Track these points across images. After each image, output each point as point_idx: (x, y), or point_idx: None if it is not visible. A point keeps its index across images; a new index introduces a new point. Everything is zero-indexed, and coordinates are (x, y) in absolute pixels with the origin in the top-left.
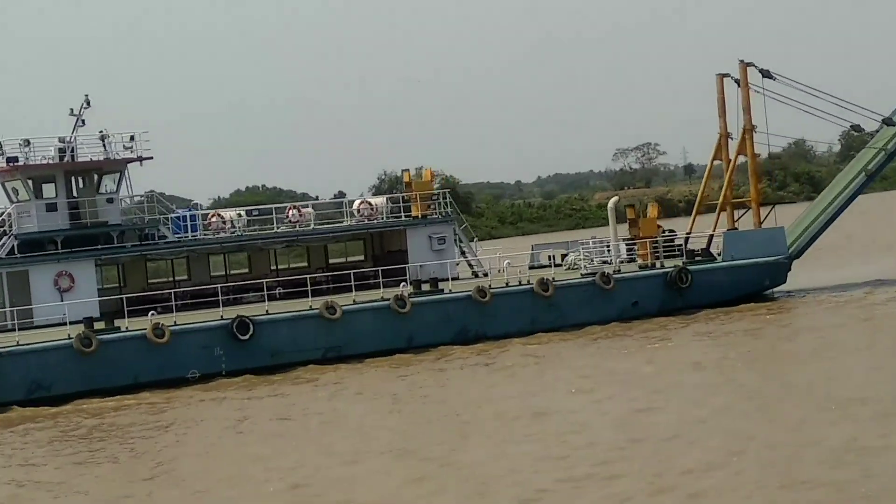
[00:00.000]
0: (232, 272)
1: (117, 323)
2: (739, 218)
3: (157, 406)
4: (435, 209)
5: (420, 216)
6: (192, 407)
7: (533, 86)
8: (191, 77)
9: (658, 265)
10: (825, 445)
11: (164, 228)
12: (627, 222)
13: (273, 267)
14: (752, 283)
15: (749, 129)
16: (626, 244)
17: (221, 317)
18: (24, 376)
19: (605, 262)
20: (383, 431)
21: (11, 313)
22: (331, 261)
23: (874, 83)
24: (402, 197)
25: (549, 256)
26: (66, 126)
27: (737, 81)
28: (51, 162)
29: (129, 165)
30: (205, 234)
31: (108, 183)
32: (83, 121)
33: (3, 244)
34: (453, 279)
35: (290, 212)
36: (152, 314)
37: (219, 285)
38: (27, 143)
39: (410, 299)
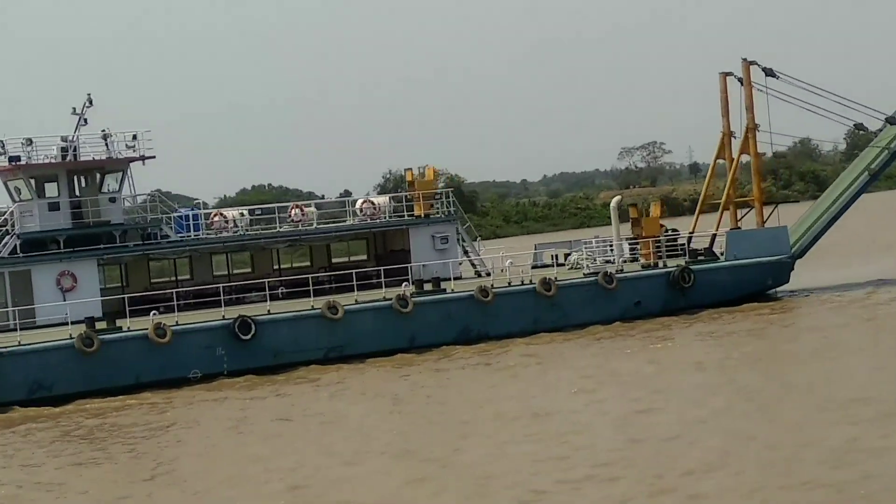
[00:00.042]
0: (235, 272)
1: (119, 323)
2: (742, 217)
3: (158, 406)
4: (438, 208)
5: (423, 215)
6: (194, 407)
7: (538, 84)
8: (195, 76)
9: (661, 265)
10: (826, 446)
11: (167, 228)
12: (630, 221)
13: (276, 266)
14: (755, 283)
15: (752, 128)
16: (629, 244)
17: (223, 317)
18: (25, 376)
19: (608, 262)
20: (384, 432)
21: (13, 313)
22: (334, 260)
23: (878, 81)
24: (405, 196)
25: (553, 256)
26: (68, 125)
27: (740, 80)
28: (53, 161)
29: (131, 165)
30: (207, 234)
31: (110, 182)
32: (85, 120)
33: (6, 244)
34: (456, 279)
35: (293, 211)
36: (154, 314)
37: (221, 285)
38: (29, 142)
39: (412, 299)
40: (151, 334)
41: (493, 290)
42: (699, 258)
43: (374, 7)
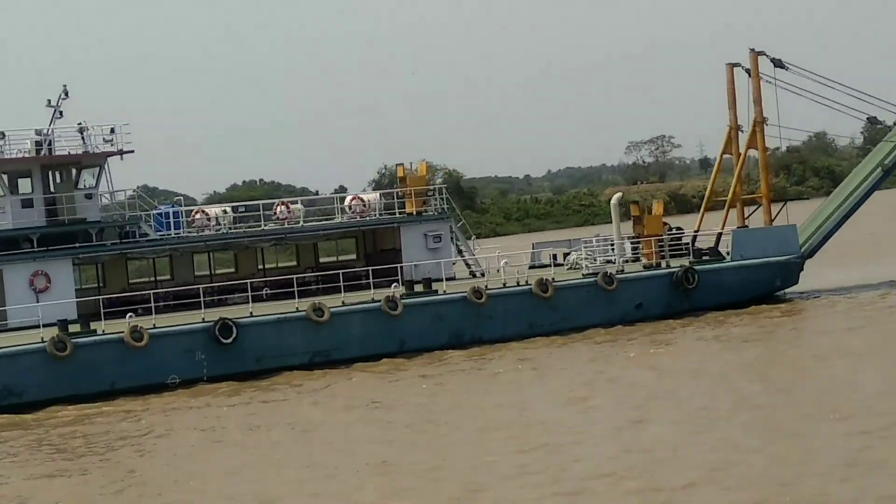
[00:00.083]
0: (217, 272)
1: (93, 326)
2: (750, 215)
3: (133, 414)
4: (431, 205)
5: (415, 213)
6: (171, 415)
7: (542, 76)
8: (185, 69)
9: (663, 265)
10: (831, 458)
11: (146, 226)
12: (632, 220)
13: (260, 266)
14: (763, 284)
15: (760, 122)
16: (631, 243)
17: (203, 319)
18: None
19: (608, 262)
20: (366, 442)
21: None
22: (321, 260)
23: (888, 74)
24: (397, 193)
25: (552, 255)
26: (43, 118)
27: (748, 71)
28: (27, 156)
29: (109, 159)
30: (189, 232)
31: (87, 178)
32: (61, 112)
33: None
34: (449, 279)
35: (279, 208)
36: (130, 316)
37: (201, 286)
38: (2, 135)
39: (402, 301)
40: (127, 338)
41: (487, 291)
42: (704, 258)
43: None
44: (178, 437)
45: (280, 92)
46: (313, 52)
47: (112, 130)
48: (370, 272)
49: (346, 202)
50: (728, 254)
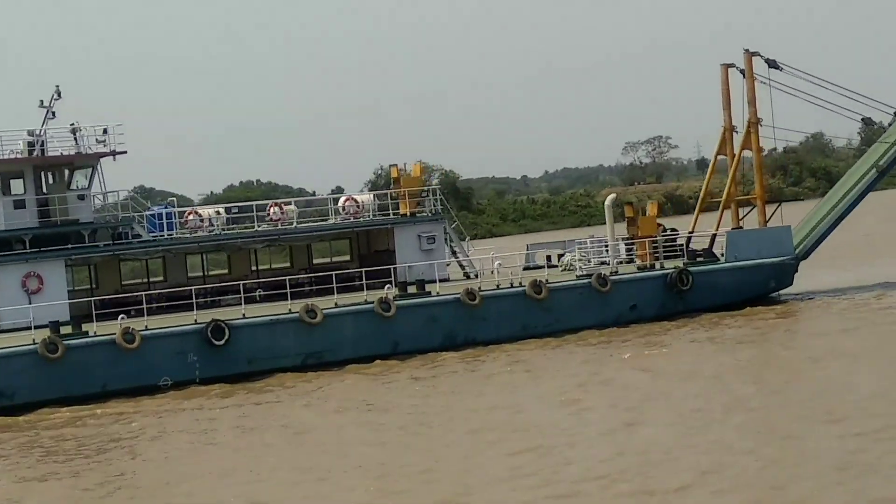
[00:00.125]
0: (210, 273)
1: (85, 327)
2: (744, 216)
3: (124, 416)
4: (425, 207)
5: (409, 214)
6: (163, 417)
7: (540, 76)
8: (183, 69)
9: (657, 266)
10: (822, 461)
11: (139, 227)
12: (626, 221)
13: (254, 268)
14: (757, 286)
15: (754, 122)
16: (626, 244)
17: (195, 321)
18: None
19: (603, 263)
20: (358, 444)
21: None
22: (315, 261)
23: (887, 74)
24: (391, 194)
25: (546, 257)
26: (36, 118)
27: (742, 72)
28: (19, 156)
29: (102, 160)
30: (182, 233)
31: (79, 179)
32: (54, 113)
33: None
34: (443, 281)
35: (272, 209)
36: (122, 318)
37: (193, 287)
38: None
39: (395, 302)
40: (119, 339)
41: (481, 292)
42: (698, 259)
43: None
44: (169, 439)
45: (278, 92)
46: (311, 52)
47: (105, 131)
48: (363, 273)
49: (340, 203)
50: (722, 255)
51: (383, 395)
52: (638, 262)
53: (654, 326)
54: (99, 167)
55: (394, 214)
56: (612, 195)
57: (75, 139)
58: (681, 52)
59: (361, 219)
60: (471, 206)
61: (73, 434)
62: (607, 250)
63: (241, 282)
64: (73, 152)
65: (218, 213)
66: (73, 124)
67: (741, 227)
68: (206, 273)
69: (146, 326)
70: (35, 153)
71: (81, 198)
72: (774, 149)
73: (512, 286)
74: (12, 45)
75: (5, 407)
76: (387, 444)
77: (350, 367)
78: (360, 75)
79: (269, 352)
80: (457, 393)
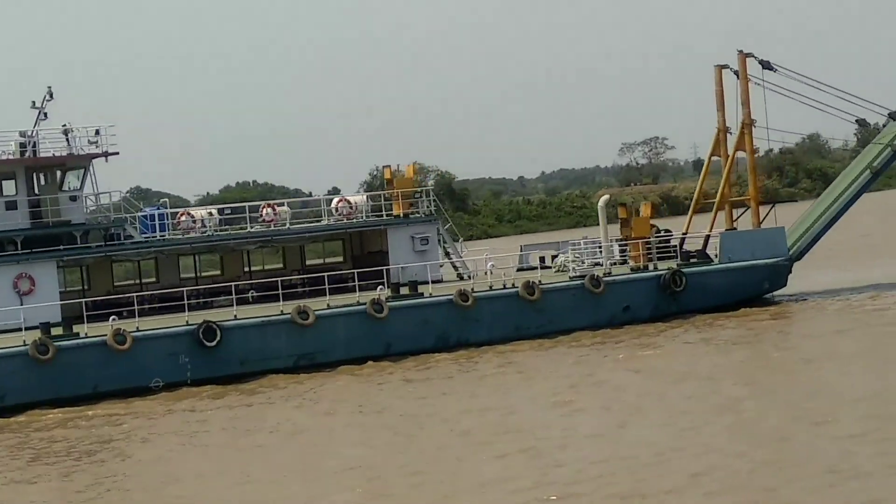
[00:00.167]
0: (203, 274)
1: (76, 329)
2: (738, 217)
3: (115, 418)
4: (418, 208)
5: (402, 215)
6: (154, 419)
7: (536, 76)
8: (179, 67)
9: (651, 267)
10: (814, 464)
11: (131, 228)
12: (619, 222)
13: (246, 269)
14: (751, 287)
15: (748, 124)
16: (619, 245)
17: (187, 322)
18: None
19: (596, 264)
20: (349, 446)
21: None
22: (308, 262)
23: (881, 76)
24: (384, 195)
25: (540, 258)
26: (28, 119)
27: (736, 73)
28: (11, 157)
29: (94, 161)
30: (174, 235)
31: (71, 180)
32: (45, 114)
33: None
34: (437, 282)
35: (265, 210)
36: (113, 319)
37: (184, 288)
38: None
39: (388, 304)
40: (110, 341)
41: (474, 294)
42: (692, 260)
43: None
44: (161, 440)
45: (276, 93)
46: (309, 52)
47: (97, 132)
48: (355, 275)
49: (333, 204)
50: (716, 256)
51: (375, 397)
52: (631, 263)
53: (647, 328)
54: (91, 168)
55: (387, 215)
56: (606, 196)
57: (67, 140)
58: (678, 54)
59: (354, 220)
60: (466, 207)
61: (63, 436)
62: (601, 251)
63: (234, 283)
64: (64, 153)
65: (210, 214)
66: (65, 125)
67: (735, 229)
68: (198, 274)
69: (137, 328)
70: (27, 154)
71: (73, 199)
72: (771, 150)
73: (505, 287)
74: (5, 45)
75: None
76: (378, 446)
77: (342, 368)
78: (358, 76)
79: (261, 353)
80: (449, 394)
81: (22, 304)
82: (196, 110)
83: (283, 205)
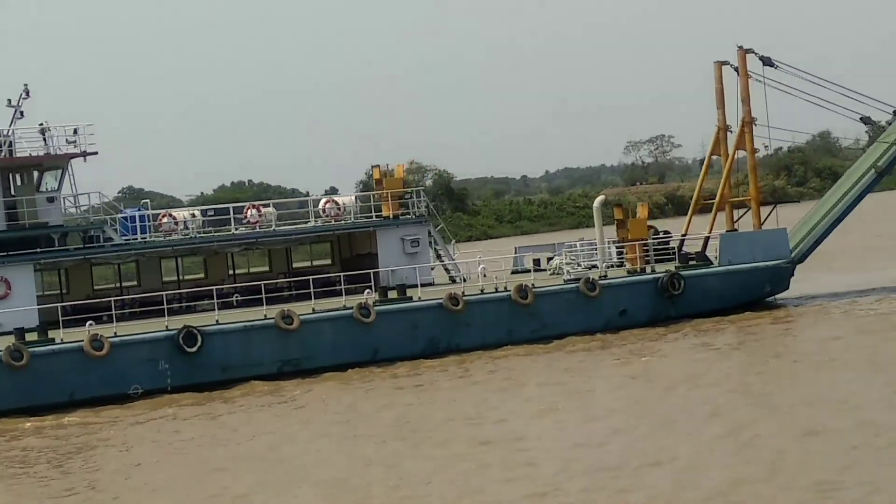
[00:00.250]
0: (186, 277)
1: (52, 334)
2: (739, 218)
3: (93, 426)
4: (409, 209)
5: (392, 216)
6: (132, 427)
7: (540, 73)
8: (174, 68)
9: (648, 270)
10: (806, 480)
11: (111, 230)
12: (615, 224)
13: (231, 272)
14: (752, 290)
15: (748, 122)
16: (616, 247)
17: (167, 327)
18: None
19: (592, 267)
20: (328, 456)
21: None
22: (295, 265)
23: (886, 72)
24: (373, 195)
25: (535, 260)
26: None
27: (736, 69)
28: None
29: (72, 161)
30: (156, 237)
31: (49, 180)
32: (22, 112)
33: None
34: (428, 285)
35: (249, 212)
36: (90, 324)
37: (164, 293)
38: None
39: (375, 308)
40: (87, 347)
41: (465, 298)
42: (691, 263)
43: None
44: (139, 449)
45: (274, 91)
46: (309, 52)
47: (75, 131)
48: (342, 278)
49: (321, 205)
50: (716, 258)
51: (359, 406)
52: (628, 265)
53: (644, 332)
54: (70, 168)
55: (377, 217)
56: (601, 197)
57: (44, 139)
58: (685, 50)
59: (343, 221)
60: (466, 208)
61: (38, 444)
62: (597, 254)
63: (218, 287)
64: (41, 153)
65: (193, 215)
66: (41, 124)
67: (736, 230)
68: (181, 278)
69: (115, 333)
70: (2, 154)
71: (51, 200)
72: (780, 148)
73: (497, 291)
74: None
75: None
76: (358, 456)
77: (327, 375)
78: (359, 74)
79: (244, 359)
80: (436, 402)
81: None
82: (191, 109)
83: (268, 206)
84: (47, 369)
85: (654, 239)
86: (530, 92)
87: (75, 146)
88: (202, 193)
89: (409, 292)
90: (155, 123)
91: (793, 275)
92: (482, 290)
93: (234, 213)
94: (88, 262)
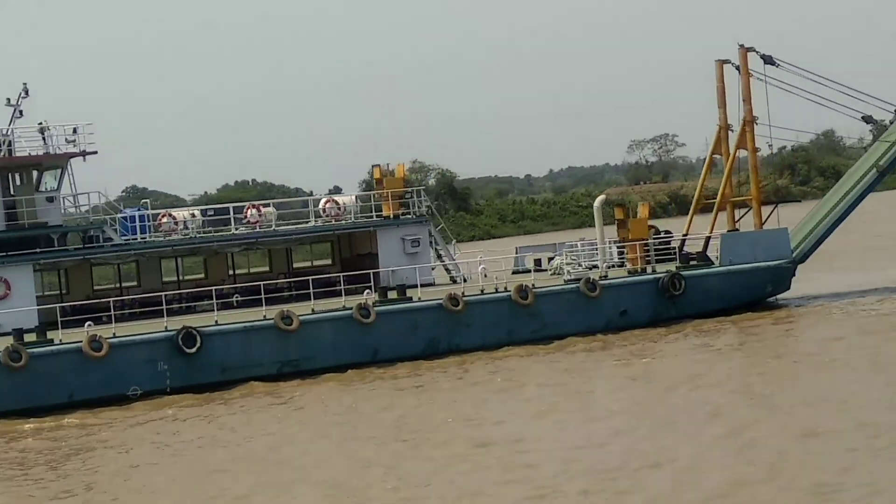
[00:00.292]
0: (186, 278)
1: (50, 335)
2: (741, 218)
3: (89, 427)
4: (409, 208)
5: (392, 216)
6: (131, 428)
7: (543, 71)
8: (179, 68)
9: (649, 270)
10: (806, 483)
11: (111, 230)
12: (616, 223)
13: (231, 272)
14: (753, 290)
15: (749, 121)
16: (617, 247)
17: (166, 328)
18: None
19: (594, 267)
20: (327, 458)
21: None
22: (295, 265)
23: (887, 72)
24: (373, 195)
25: (536, 260)
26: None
27: (737, 68)
28: None
29: (72, 161)
30: (156, 237)
31: (48, 180)
32: (21, 112)
33: None
34: (428, 285)
35: (249, 212)
36: (89, 325)
37: (163, 293)
38: None
39: (375, 308)
40: (86, 347)
41: (464, 298)
42: (692, 263)
43: None
44: (137, 450)
45: (277, 90)
46: (309, 52)
47: (74, 130)
48: (342, 278)
49: (321, 205)
50: (717, 258)
51: (359, 406)
52: (628, 265)
53: (645, 333)
54: (69, 168)
55: (377, 216)
56: (602, 196)
57: (44, 139)
58: (685, 49)
59: (343, 221)
60: (469, 207)
61: (36, 446)
62: (598, 254)
63: (217, 287)
64: (41, 153)
65: (193, 215)
66: (41, 123)
67: (737, 230)
68: (181, 278)
69: (114, 334)
70: (2, 154)
71: (50, 200)
72: (784, 147)
73: (497, 291)
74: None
75: None
76: (357, 458)
77: (327, 375)
78: (359, 74)
79: (243, 360)
80: (435, 403)
81: None
82: (191, 109)
83: (268, 206)
84: (46, 370)
85: (654, 239)
86: (530, 92)
87: (75, 146)
88: (206, 193)
89: (408, 292)
90: (155, 123)
91: (794, 275)
92: (482, 291)
93: (234, 213)
94: (88, 262)
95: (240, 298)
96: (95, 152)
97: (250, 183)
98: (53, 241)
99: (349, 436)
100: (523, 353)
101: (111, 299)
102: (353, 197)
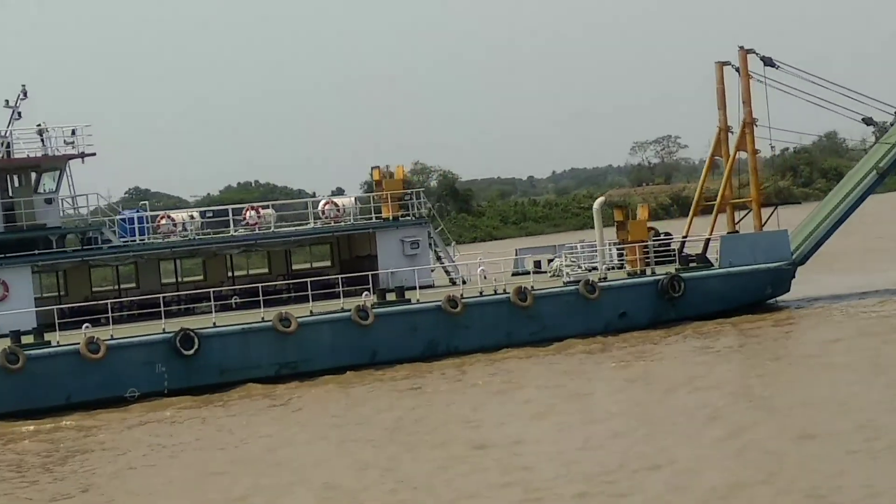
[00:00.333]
0: (185, 279)
1: (48, 337)
2: (740, 220)
3: (89, 429)
4: (409, 210)
5: (391, 218)
6: (128, 430)
7: (546, 72)
8: (182, 69)
9: (648, 272)
10: (800, 486)
11: (109, 232)
12: (615, 225)
13: (230, 274)
14: (753, 292)
15: (749, 123)
16: (617, 249)
17: (164, 330)
18: None
19: (593, 269)
20: (325, 460)
21: None
22: (294, 267)
23: (887, 73)
24: (373, 197)
25: (535, 262)
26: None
27: (737, 70)
28: None
29: (70, 162)
30: (154, 238)
31: (47, 182)
32: (19, 113)
33: None
34: (427, 287)
35: (248, 213)
36: (86, 327)
37: (162, 295)
38: None
39: (373, 310)
40: (83, 349)
41: (463, 300)
42: (691, 265)
43: None
44: (134, 453)
45: (279, 91)
46: (309, 52)
47: (73, 132)
48: (340, 280)
49: (320, 207)
50: (716, 260)
51: (357, 409)
52: (628, 267)
53: (644, 335)
54: (68, 170)
55: (376, 218)
56: (601, 198)
57: (42, 141)
58: (685, 50)
59: (342, 223)
60: (471, 209)
61: (34, 448)
62: (597, 255)
63: (216, 288)
64: (39, 154)
65: (192, 217)
66: (39, 125)
67: (737, 231)
68: (180, 280)
69: (112, 336)
70: (0, 155)
71: (49, 201)
72: (786, 149)
73: (496, 293)
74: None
75: None
76: (354, 460)
77: (325, 377)
78: (359, 74)
79: (242, 362)
80: (433, 405)
81: None
82: (191, 109)
83: (267, 207)
84: (43, 372)
85: (654, 241)
86: (531, 92)
87: (73, 147)
88: (209, 194)
89: (407, 294)
90: (155, 123)
91: (794, 277)
92: (481, 293)
93: (233, 215)
94: (87, 263)
95: (238, 300)
96: (94, 154)
97: (253, 184)
98: (52, 243)
99: (347, 437)
100: (522, 354)
101: (109, 301)
102: (353, 199)
